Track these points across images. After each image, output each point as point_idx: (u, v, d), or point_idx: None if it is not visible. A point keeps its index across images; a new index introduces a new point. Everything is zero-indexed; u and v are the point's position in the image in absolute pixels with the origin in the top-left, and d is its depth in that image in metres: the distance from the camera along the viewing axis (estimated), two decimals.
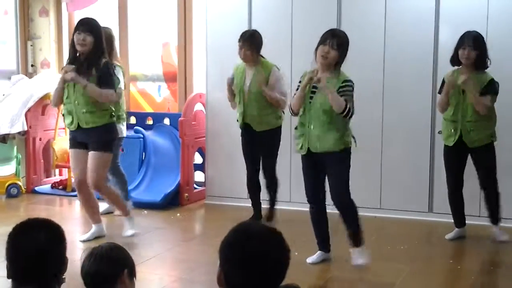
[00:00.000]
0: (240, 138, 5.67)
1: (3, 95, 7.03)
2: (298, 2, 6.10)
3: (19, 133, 6.87)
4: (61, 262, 2.29)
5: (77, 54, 4.92)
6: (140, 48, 7.40)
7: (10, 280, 2.25)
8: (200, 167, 6.83)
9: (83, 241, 5.08)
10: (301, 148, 4.47)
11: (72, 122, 4.98)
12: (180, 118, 6.42)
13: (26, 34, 7.50)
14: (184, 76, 7.05)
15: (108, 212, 5.95)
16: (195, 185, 6.70)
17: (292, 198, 6.13)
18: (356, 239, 4.49)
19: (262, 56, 5.50)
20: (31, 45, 7.50)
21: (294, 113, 4.51)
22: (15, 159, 6.91)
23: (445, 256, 4.92)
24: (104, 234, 5.22)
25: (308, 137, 4.41)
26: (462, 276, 4.56)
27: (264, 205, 5.78)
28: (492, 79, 4.90)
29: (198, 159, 6.83)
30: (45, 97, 6.90)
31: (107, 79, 4.90)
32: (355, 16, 5.93)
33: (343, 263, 4.60)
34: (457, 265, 4.79)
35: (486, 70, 4.95)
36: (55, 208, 6.61)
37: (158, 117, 7.14)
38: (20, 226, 2.28)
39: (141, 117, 7.21)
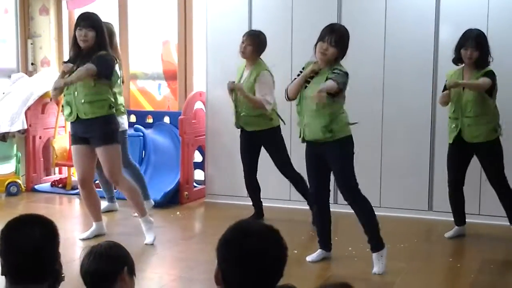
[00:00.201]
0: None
1: (3, 93, 7.02)
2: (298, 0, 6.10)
3: (19, 131, 6.86)
4: (55, 257, 2.28)
5: (80, 50, 4.85)
6: (140, 46, 7.39)
7: (4, 277, 2.24)
8: (200, 166, 6.82)
9: (83, 240, 5.09)
10: (300, 136, 4.50)
11: (71, 113, 4.92)
12: (180, 117, 6.42)
13: (26, 32, 7.49)
14: (184, 74, 7.04)
15: (108, 210, 5.95)
16: (195, 184, 6.69)
17: (291, 197, 6.13)
18: (371, 242, 4.42)
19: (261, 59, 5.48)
20: (31, 44, 7.48)
21: (289, 98, 4.50)
22: (15, 158, 6.91)
23: (445, 254, 4.92)
24: (104, 233, 5.21)
25: (302, 126, 4.43)
26: (461, 274, 4.55)
27: (265, 204, 5.76)
28: (491, 70, 4.89)
29: (198, 157, 6.82)
30: (45, 95, 6.89)
31: (98, 59, 4.77)
32: (356, 14, 5.92)
33: (343, 261, 4.59)
34: (456, 263, 4.79)
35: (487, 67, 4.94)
36: (54, 206, 6.60)
37: (158, 116, 7.13)
38: (13, 222, 2.26)
39: (141, 116, 7.19)
